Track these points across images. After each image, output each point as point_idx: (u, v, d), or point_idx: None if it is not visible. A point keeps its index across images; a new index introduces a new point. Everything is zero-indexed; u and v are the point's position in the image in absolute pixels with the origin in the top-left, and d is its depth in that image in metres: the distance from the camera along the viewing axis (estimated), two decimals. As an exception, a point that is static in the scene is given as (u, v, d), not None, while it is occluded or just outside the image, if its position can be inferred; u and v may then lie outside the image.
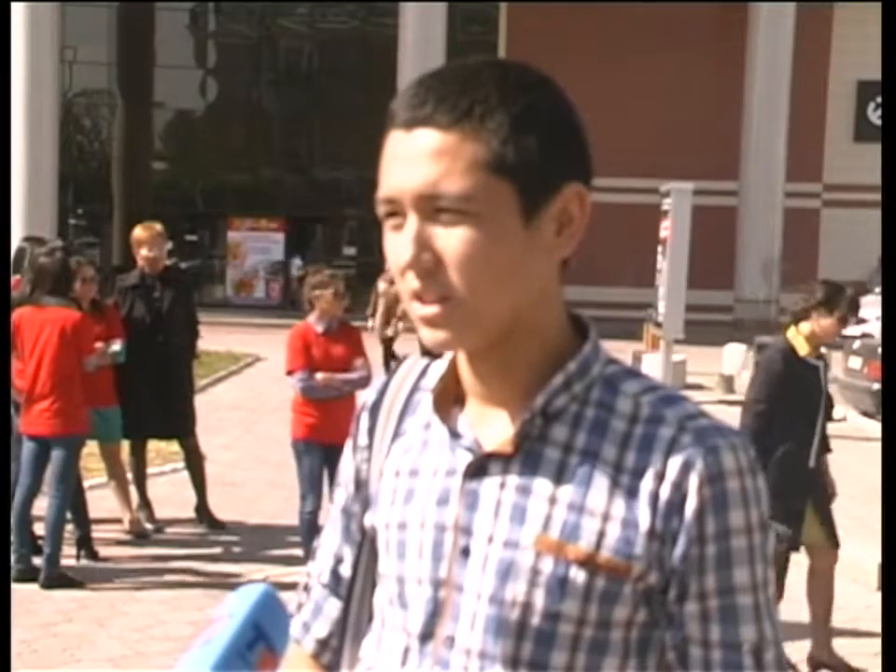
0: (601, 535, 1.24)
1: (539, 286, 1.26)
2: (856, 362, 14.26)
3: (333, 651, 1.46)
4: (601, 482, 1.25)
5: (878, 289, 20.64)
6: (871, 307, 21.77)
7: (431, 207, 1.20)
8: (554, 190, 1.24)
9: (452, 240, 1.20)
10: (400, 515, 1.33)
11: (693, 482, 1.22)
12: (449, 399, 1.33)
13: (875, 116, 28.52)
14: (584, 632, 1.24)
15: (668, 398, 1.28)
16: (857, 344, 14.94)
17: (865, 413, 13.81)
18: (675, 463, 1.23)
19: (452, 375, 1.34)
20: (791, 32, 27.08)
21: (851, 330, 22.43)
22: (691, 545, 1.23)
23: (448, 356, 1.36)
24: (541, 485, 1.26)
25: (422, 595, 1.30)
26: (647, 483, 1.24)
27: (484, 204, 1.20)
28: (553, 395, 1.27)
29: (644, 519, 1.23)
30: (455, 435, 1.32)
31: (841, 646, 5.90)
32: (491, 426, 1.30)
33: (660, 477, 1.23)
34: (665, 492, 1.23)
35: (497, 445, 1.28)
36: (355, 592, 1.44)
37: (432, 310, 1.22)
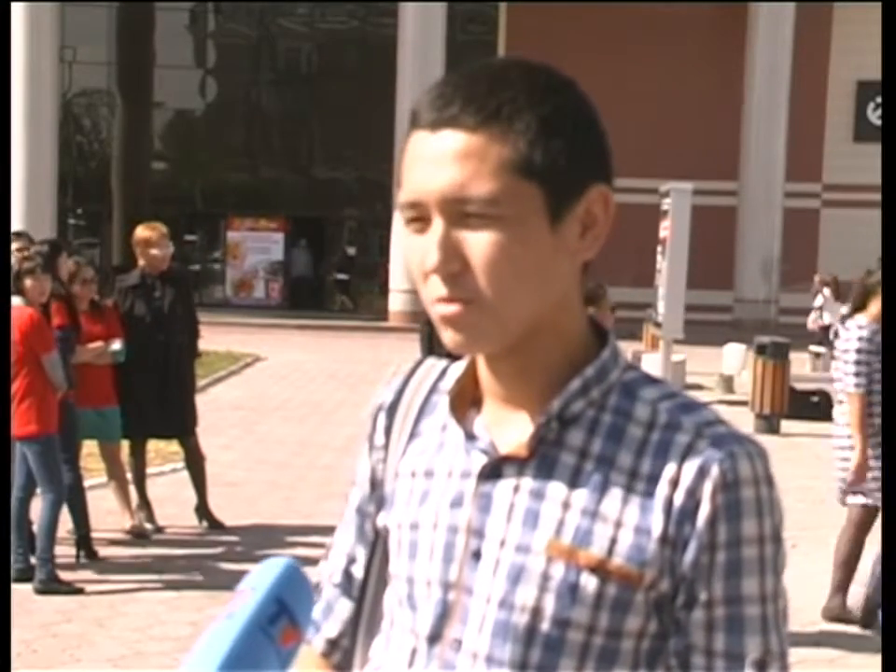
0: (613, 541, 1.22)
1: (562, 288, 1.25)
2: (855, 362, 14.20)
3: (344, 650, 1.45)
4: (616, 488, 1.24)
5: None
6: (870, 307, 21.76)
7: (458, 210, 1.19)
8: (580, 192, 1.23)
9: (479, 244, 1.19)
10: (414, 516, 1.32)
11: (708, 488, 1.21)
12: (466, 401, 1.32)
13: (874, 116, 28.49)
14: (594, 640, 1.23)
15: (687, 405, 1.27)
16: (856, 344, 14.88)
17: (865, 414, 13.77)
18: (690, 469, 1.22)
19: (469, 377, 1.33)
20: (791, 31, 27.08)
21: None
22: (701, 552, 1.21)
23: (466, 358, 1.34)
24: (555, 490, 1.25)
25: (431, 596, 1.29)
26: (661, 489, 1.23)
27: (512, 207, 1.19)
28: (569, 399, 1.26)
29: (657, 525, 1.22)
30: (470, 437, 1.31)
31: (841, 645, 5.91)
32: (507, 428, 1.29)
33: (674, 483, 1.22)
34: (678, 498, 1.22)
35: (513, 448, 1.27)
36: (367, 592, 1.43)
37: (456, 310, 1.21)
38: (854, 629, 6.23)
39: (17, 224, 17.75)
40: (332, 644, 1.46)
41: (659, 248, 15.44)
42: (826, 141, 29.51)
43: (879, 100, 25.87)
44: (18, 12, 22.78)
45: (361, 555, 1.44)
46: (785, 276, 27.58)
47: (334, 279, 30.00)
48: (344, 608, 1.45)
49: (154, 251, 7.77)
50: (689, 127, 28.30)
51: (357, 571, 1.44)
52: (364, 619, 1.43)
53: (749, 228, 27.65)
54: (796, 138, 27.23)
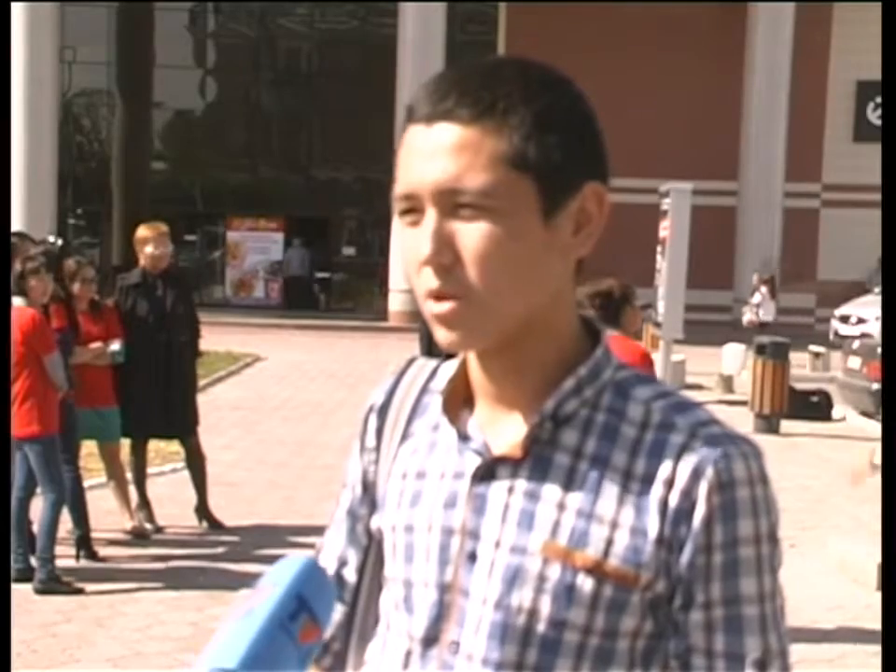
0: (609, 542, 1.22)
1: (554, 285, 1.25)
2: (855, 362, 14.25)
3: (335, 654, 1.44)
4: (610, 488, 1.24)
5: (878, 289, 20.64)
6: (871, 307, 21.82)
7: (451, 202, 1.19)
8: (574, 189, 1.23)
9: (472, 235, 1.19)
10: (407, 518, 1.32)
11: (703, 489, 1.21)
12: (458, 400, 1.32)
13: (874, 116, 28.48)
14: (590, 640, 1.23)
15: (680, 404, 1.27)
16: (856, 344, 14.93)
17: (865, 413, 13.81)
18: (685, 470, 1.22)
19: (462, 377, 1.33)
20: (791, 31, 27.08)
21: (851, 330, 22.51)
22: (698, 553, 1.22)
23: (458, 357, 1.34)
24: (550, 491, 1.25)
25: (427, 598, 1.29)
26: (656, 490, 1.23)
27: (505, 200, 1.19)
28: (563, 399, 1.26)
29: (653, 526, 1.22)
30: (463, 437, 1.30)
31: (841, 646, 5.91)
32: (500, 428, 1.29)
33: (669, 484, 1.22)
34: (674, 499, 1.22)
35: (507, 449, 1.27)
36: (360, 595, 1.42)
37: (447, 307, 1.21)
38: (854, 628, 6.22)
39: (17, 224, 17.76)
40: (323, 648, 1.44)
41: (659, 248, 15.45)
42: (826, 141, 29.51)
43: (879, 100, 25.87)
44: (18, 12, 22.78)
45: (353, 559, 1.43)
46: (785, 276, 27.59)
47: (316, 278, 30.11)
48: (336, 611, 1.42)
49: (150, 249, 7.74)
50: (689, 127, 28.30)
51: (349, 575, 1.44)
52: (357, 623, 1.42)
53: (749, 228, 27.64)
54: (796, 138, 27.23)
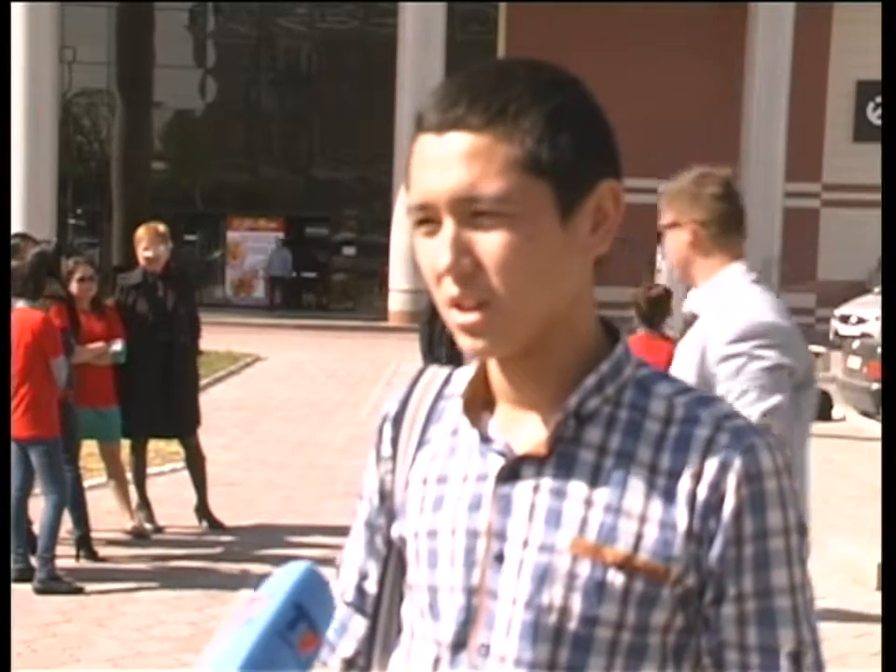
0: (639, 537, 1.22)
1: (575, 285, 1.25)
2: (855, 362, 14.24)
3: (361, 669, 1.43)
4: (637, 483, 1.23)
5: (878, 289, 20.64)
6: (871, 307, 21.82)
7: (468, 210, 1.18)
8: (590, 188, 1.22)
9: (490, 242, 1.18)
10: (430, 523, 1.31)
11: (731, 481, 1.21)
12: (478, 404, 1.31)
13: (874, 116, 28.50)
14: (622, 637, 1.22)
15: (702, 398, 1.27)
16: (856, 344, 14.93)
17: (865, 413, 13.80)
18: (712, 463, 1.22)
19: (480, 380, 1.32)
20: (791, 31, 27.08)
21: (851, 330, 22.50)
22: (728, 546, 1.21)
23: (475, 362, 1.33)
24: (576, 488, 1.24)
25: (454, 603, 1.28)
26: (684, 484, 1.22)
27: (522, 204, 1.18)
28: (585, 396, 1.26)
29: (682, 520, 1.22)
30: (485, 439, 1.30)
31: (840, 646, 5.90)
32: (522, 429, 1.28)
33: (697, 477, 1.22)
34: (702, 492, 1.22)
35: (531, 448, 1.26)
36: (382, 606, 1.41)
37: (473, 318, 1.20)
38: (854, 629, 6.22)
39: (17, 224, 17.75)
40: (349, 664, 1.44)
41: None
42: (826, 141, 29.52)
43: (879, 100, 25.87)
44: (18, 12, 22.77)
45: (373, 570, 1.42)
46: (785, 276, 27.58)
47: (302, 278, 30.11)
48: (359, 625, 1.43)
49: (141, 250, 7.74)
50: (689, 127, 28.28)
51: (370, 587, 1.42)
52: (379, 634, 1.41)
53: (750, 228, 27.28)
54: (796, 138, 27.22)
